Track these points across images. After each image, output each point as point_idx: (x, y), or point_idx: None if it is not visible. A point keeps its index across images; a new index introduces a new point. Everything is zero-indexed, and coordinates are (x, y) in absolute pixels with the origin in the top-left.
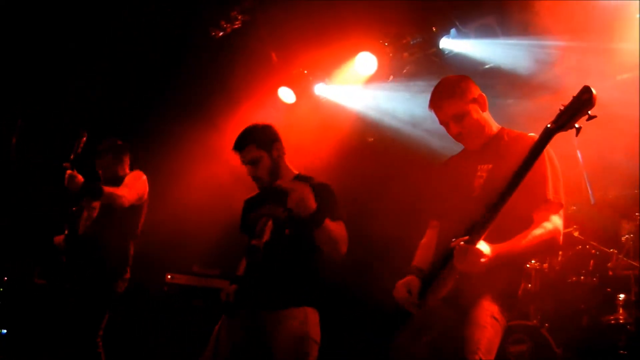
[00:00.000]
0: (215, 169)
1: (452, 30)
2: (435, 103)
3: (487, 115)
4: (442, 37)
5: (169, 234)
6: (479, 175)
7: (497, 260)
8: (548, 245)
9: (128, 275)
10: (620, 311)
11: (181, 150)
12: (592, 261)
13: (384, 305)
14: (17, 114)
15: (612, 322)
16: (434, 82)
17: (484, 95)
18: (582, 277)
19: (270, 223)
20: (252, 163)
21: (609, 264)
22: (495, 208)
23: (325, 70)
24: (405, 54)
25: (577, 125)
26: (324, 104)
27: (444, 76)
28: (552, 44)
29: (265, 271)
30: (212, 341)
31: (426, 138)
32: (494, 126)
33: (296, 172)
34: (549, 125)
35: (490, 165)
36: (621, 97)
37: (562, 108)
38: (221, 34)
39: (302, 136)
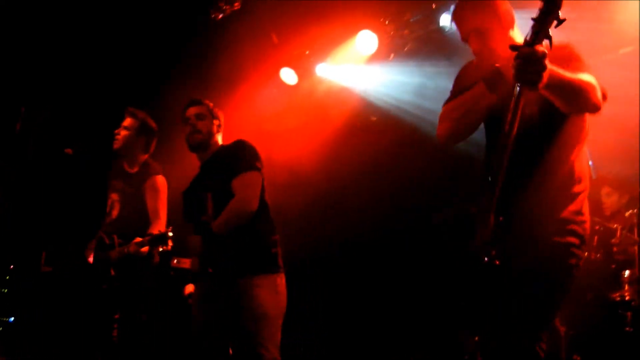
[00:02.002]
0: None
1: (452, 7)
2: (456, 13)
3: (513, 34)
4: (442, 13)
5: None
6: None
7: (551, 72)
8: (590, 88)
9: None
10: (626, 287)
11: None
12: (596, 237)
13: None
14: (20, 101)
15: (618, 298)
16: (435, 60)
17: (512, 12)
18: (585, 253)
19: (209, 196)
20: (198, 117)
21: (613, 240)
22: None
23: (327, 50)
24: (406, 32)
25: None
26: (326, 84)
27: (444, 54)
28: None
29: (219, 243)
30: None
31: (429, 116)
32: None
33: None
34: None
35: None
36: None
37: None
38: (221, 16)
39: (304, 116)
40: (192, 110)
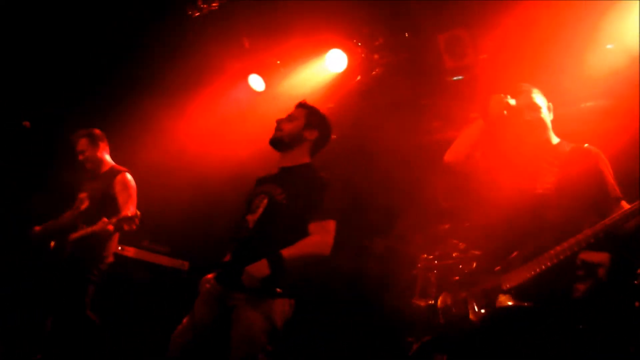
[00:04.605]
0: (175, 149)
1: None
2: (516, 87)
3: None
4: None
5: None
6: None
7: None
8: None
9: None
10: None
11: (143, 128)
12: None
13: None
14: None
15: None
16: (400, 89)
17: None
18: None
19: (265, 201)
20: (288, 118)
21: None
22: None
23: (297, 63)
24: (376, 56)
25: None
26: (292, 95)
27: (412, 82)
28: None
29: (250, 249)
30: (191, 312)
31: (384, 143)
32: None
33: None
34: None
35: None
36: None
37: None
38: (197, 13)
39: (268, 124)
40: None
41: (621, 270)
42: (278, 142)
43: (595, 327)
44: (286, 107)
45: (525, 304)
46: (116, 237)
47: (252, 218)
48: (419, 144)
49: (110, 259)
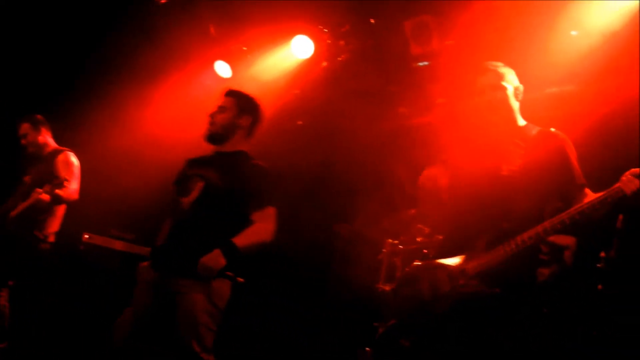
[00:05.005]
0: (142, 136)
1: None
2: (481, 66)
3: (517, 106)
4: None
5: (89, 196)
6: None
7: None
8: None
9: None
10: None
11: (111, 116)
12: None
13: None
14: None
15: None
16: (366, 75)
17: (522, 90)
18: None
19: (201, 185)
20: (220, 110)
21: None
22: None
23: (264, 49)
24: (342, 42)
25: None
26: (259, 82)
27: (378, 68)
28: None
29: (186, 233)
30: (132, 301)
31: (352, 130)
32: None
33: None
34: None
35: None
36: None
37: None
38: (163, 1)
39: None
40: (219, 101)
41: (586, 253)
42: (213, 137)
43: (559, 311)
44: (253, 93)
45: (490, 289)
46: (60, 212)
47: (186, 200)
48: (386, 129)
49: (52, 238)
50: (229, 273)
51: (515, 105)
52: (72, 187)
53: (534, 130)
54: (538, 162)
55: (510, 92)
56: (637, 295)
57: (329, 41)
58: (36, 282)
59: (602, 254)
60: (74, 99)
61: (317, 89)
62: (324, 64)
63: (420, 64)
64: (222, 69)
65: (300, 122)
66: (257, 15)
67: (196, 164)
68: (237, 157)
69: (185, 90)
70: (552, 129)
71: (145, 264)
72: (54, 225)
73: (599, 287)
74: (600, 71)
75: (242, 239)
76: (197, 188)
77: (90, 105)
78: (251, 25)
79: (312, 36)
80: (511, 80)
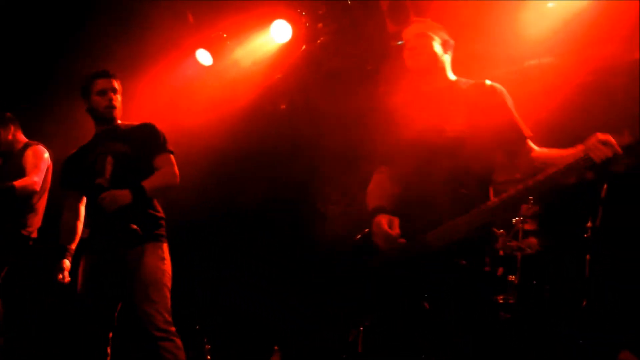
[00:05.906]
0: None
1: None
2: (413, 24)
3: (447, 59)
4: (357, 10)
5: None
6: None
7: None
8: None
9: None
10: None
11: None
12: None
13: None
14: None
15: (501, 301)
16: (345, 56)
17: (452, 44)
18: None
19: (110, 159)
20: (115, 92)
21: (497, 245)
22: None
23: (243, 35)
24: (320, 25)
25: None
26: (240, 68)
27: (357, 49)
28: None
29: (113, 212)
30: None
31: (333, 110)
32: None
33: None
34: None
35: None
36: None
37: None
38: None
39: (217, 97)
40: (105, 83)
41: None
42: (114, 117)
43: (546, 281)
44: (234, 79)
45: (458, 261)
46: (41, 207)
47: (103, 179)
48: (367, 108)
49: (35, 234)
50: (133, 226)
51: (445, 57)
52: (33, 179)
53: (468, 83)
54: (482, 117)
55: (436, 42)
56: (623, 262)
57: (307, 24)
58: (24, 279)
59: (589, 224)
60: (51, 91)
61: (298, 72)
62: (304, 47)
63: (399, 42)
64: (204, 57)
65: (283, 106)
66: (235, 1)
67: (90, 148)
68: (126, 125)
69: (167, 80)
70: (488, 81)
71: (66, 264)
72: (36, 221)
73: (587, 257)
74: (577, 41)
75: (150, 182)
76: (108, 162)
77: (67, 97)
78: (230, 12)
79: (290, 20)
80: (438, 33)
